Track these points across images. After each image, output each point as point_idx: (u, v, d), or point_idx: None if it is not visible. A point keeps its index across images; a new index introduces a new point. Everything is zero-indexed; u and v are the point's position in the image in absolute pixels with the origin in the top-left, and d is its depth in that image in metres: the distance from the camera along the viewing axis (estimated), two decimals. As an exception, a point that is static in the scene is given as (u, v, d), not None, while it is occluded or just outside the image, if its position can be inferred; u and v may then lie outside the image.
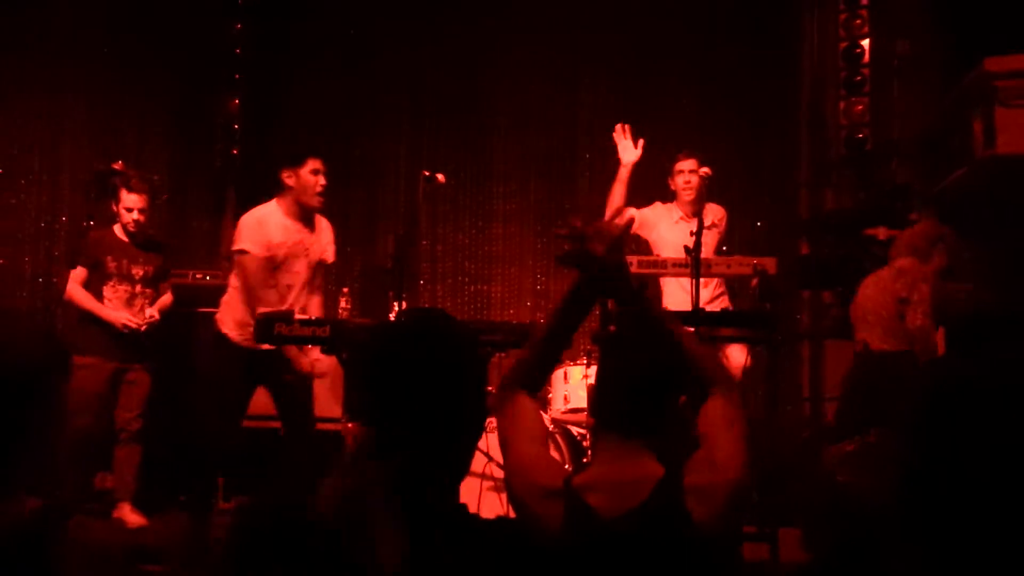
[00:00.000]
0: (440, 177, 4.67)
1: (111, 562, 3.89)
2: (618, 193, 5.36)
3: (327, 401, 5.56)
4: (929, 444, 1.31)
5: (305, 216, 4.72)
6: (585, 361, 5.29)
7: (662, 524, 1.88)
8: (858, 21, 6.31)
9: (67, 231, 6.26)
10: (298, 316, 4.50)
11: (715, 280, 5.29)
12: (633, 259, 4.76)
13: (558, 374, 5.43)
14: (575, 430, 5.36)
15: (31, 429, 1.86)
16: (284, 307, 4.66)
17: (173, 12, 6.55)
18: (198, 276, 6.05)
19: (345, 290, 5.87)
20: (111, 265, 5.19)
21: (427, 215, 6.80)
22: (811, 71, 6.65)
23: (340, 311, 5.20)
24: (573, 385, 5.30)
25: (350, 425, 5.24)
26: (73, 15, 6.31)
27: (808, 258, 5.99)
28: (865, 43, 6.22)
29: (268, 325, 4.23)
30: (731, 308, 5.44)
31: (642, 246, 5.55)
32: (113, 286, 5.20)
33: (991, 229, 5.36)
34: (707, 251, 5.11)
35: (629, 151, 5.27)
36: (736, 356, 5.14)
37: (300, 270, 4.72)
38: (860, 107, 6.18)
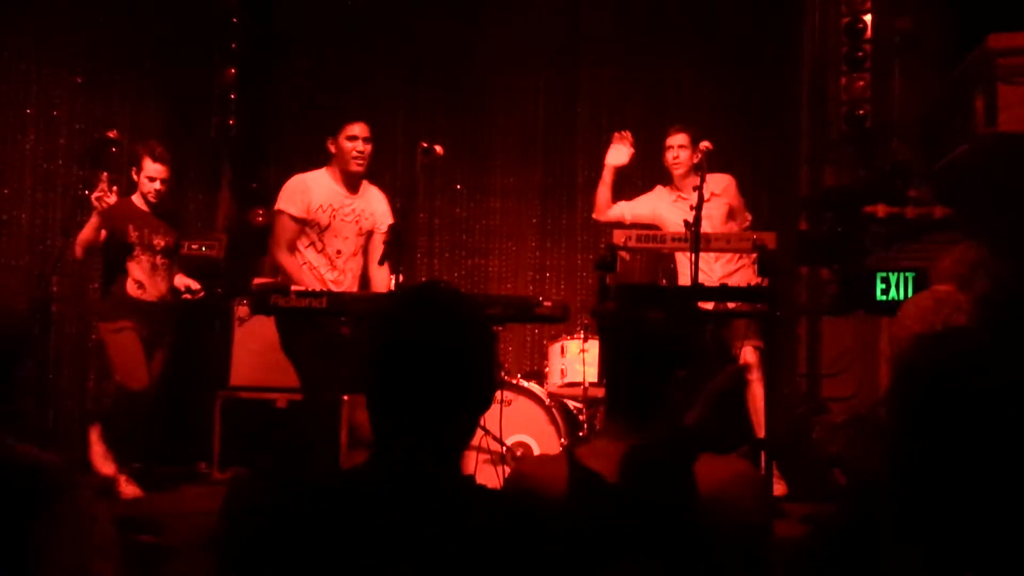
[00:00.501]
0: (438, 149, 4.63)
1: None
2: (603, 195, 5.38)
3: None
4: (923, 423, 1.30)
5: (351, 183, 4.75)
6: (582, 335, 5.29)
7: (669, 489, 1.88)
8: (860, -4, 6.25)
9: (62, 200, 6.21)
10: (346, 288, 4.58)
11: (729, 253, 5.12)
12: (632, 233, 4.71)
13: (555, 348, 5.44)
14: (571, 404, 5.36)
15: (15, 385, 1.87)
16: (334, 273, 4.67)
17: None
18: (194, 247, 6.01)
19: None
20: (133, 234, 5.12)
21: (424, 187, 6.75)
22: (812, 47, 6.60)
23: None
24: (570, 359, 5.30)
25: (345, 397, 5.23)
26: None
27: (807, 234, 5.98)
28: (867, 18, 6.16)
29: (264, 296, 4.22)
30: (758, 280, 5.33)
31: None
32: (136, 256, 5.14)
33: (991, 207, 5.34)
34: (715, 223, 5.03)
35: (618, 154, 5.30)
36: (750, 356, 5.01)
37: (349, 236, 4.73)
38: (861, 83, 6.13)
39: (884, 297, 5.02)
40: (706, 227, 4.76)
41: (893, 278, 5.05)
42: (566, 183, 7.00)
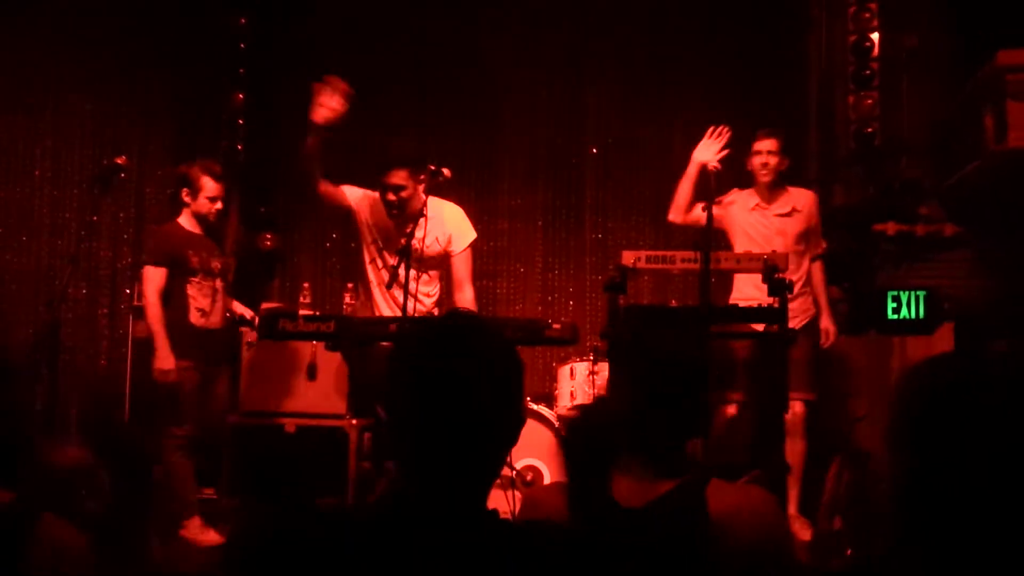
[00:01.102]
0: (446, 171, 4.57)
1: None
2: (684, 192, 5.06)
3: (331, 397, 5.54)
4: (926, 444, 1.28)
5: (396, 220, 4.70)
6: (591, 357, 5.26)
7: (683, 516, 1.86)
8: (867, 15, 6.24)
9: (72, 226, 6.23)
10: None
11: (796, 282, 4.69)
12: (642, 254, 4.53)
13: (564, 370, 5.40)
14: (582, 427, 5.31)
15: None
16: (400, 286, 4.55)
17: (176, 7, 6.53)
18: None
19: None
20: (194, 260, 4.84)
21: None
22: (819, 65, 6.60)
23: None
24: (579, 381, 5.27)
25: (354, 421, 5.21)
26: (75, 9, 6.27)
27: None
28: (874, 36, 6.16)
29: (272, 321, 4.21)
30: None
31: (722, 242, 5.12)
32: (198, 283, 4.85)
33: (1002, 225, 5.32)
34: (788, 240, 4.94)
35: (705, 151, 4.96)
36: (798, 408, 4.87)
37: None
38: (869, 101, 6.12)
39: (895, 316, 4.99)
40: (778, 243, 4.84)
41: (904, 297, 5.03)
42: (574, 203, 6.97)
